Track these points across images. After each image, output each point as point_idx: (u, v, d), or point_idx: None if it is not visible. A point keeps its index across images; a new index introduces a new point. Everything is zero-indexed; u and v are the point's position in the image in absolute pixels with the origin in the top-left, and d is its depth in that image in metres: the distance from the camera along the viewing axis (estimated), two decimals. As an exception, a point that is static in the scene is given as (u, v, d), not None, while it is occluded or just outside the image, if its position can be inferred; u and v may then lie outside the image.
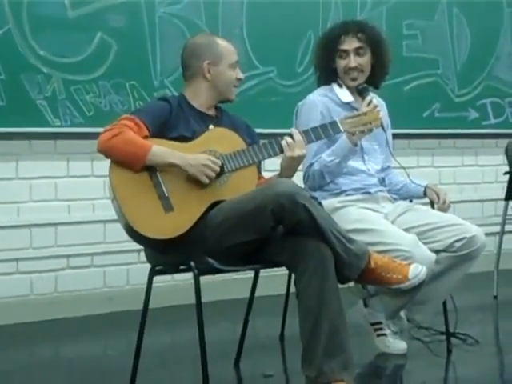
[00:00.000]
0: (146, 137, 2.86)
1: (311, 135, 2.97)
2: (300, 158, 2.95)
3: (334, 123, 3.04)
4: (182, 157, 2.82)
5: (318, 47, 3.52)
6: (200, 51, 3.04)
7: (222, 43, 3.06)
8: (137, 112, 2.96)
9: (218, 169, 2.83)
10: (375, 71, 3.46)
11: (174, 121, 2.94)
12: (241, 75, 3.09)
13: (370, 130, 3.11)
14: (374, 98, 3.23)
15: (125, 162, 2.80)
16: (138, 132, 2.84)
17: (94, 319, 4.25)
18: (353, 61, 3.39)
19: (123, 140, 2.80)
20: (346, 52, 3.40)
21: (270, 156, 2.93)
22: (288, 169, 2.96)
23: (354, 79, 3.42)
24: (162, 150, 2.82)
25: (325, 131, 3.01)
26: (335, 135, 3.11)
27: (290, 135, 2.93)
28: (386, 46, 3.48)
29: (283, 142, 2.91)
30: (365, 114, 3.08)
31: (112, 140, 2.80)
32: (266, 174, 3.14)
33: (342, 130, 3.04)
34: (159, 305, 3.76)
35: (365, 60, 3.42)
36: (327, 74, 3.50)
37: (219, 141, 2.94)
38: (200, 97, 3.05)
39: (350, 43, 3.40)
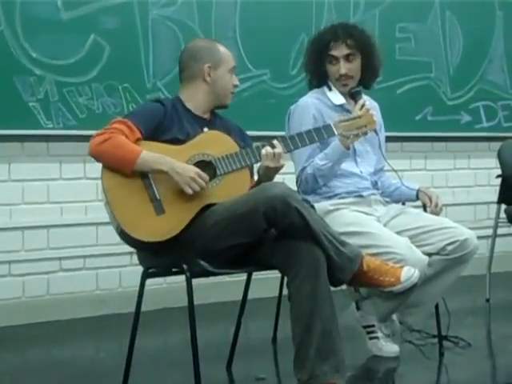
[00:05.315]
0: (138, 139, 2.85)
1: (298, 143, 2.95)
2: (276, 169, 2.93)
3: (328, 126, 3.03)
4: (170, 164, 2.79)
5: (308, 51, 3.52)
6: (201, 54, 3.05)
7: (222, 48, 3.09)
8: (129, 115, 2.95)
9: (204, 184, 2.80)
10: (365, 74, 3.46)
11: (168, 123, 2.93)
12: (237, 82, 3.12)
13: (365, 134, 3.10)
14: (366, 101, 3.24)
15: (114, 166, 2.79)
16: (131, 135, 2.83)
17: (86, 322, 4.24)
18: (343, 68, 3.40)
19: (113, 145, 2.79)
20: (336, 58, 3.41)
21: (261, 160, 2.92)
22: (264, 176, 2.95)
23: (345, 85, 3.43)
24: (151, 156, 2.80)
25: (318, 134, 3.00)
26: (329, 138, 3.11)
27: (272, 145, 2.91)
28: (375, 49, 3.48)
29: (263, 151, 2.90)
30: (359, 117, 3.06)
31: (102, 145, 2.79)
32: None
33: (337, 133, 3.03)
34: (151, 307, 3.77)
35: (355, 65, 3.42)
36: (318, 78, 3.50)
37: (212, 143, 2.93)
38: (197, 99, 3.05)
39: (340, 50, 3.40)
